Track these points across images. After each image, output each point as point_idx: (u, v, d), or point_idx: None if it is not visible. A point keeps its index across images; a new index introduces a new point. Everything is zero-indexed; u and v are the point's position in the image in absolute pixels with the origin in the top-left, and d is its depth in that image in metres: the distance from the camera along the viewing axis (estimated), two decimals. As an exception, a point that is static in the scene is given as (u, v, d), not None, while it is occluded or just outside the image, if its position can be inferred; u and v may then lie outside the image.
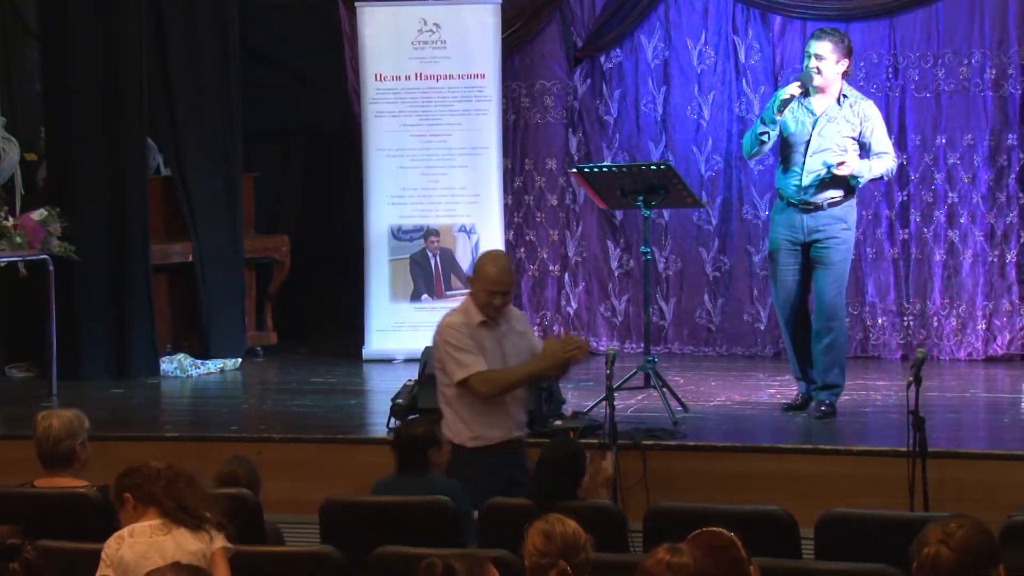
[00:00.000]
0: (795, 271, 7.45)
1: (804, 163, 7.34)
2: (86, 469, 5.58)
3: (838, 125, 7.33)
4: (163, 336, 9.54)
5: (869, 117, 7.38)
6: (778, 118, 7.34)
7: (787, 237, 7.41)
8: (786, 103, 7.31)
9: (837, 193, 7.36)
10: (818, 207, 7.33)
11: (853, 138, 7.33)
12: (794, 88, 7.31)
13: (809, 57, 7.35)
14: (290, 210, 11.11)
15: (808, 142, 7.35)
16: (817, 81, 7.33)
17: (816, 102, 7.36)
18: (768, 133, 7.37)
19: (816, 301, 7.49)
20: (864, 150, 7.36)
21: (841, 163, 7.22)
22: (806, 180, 7.33)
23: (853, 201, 7.44)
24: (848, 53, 7.38)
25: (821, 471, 6.54)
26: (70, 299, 8.94)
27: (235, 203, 9.82)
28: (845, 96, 7.39)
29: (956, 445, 6.74)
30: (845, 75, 7.42)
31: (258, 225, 10.41)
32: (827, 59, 7.30)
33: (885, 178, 7.69)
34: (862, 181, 7.41)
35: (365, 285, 9.74)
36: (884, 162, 7.38)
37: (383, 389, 8.18)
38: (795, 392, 7.69)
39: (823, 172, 7.29)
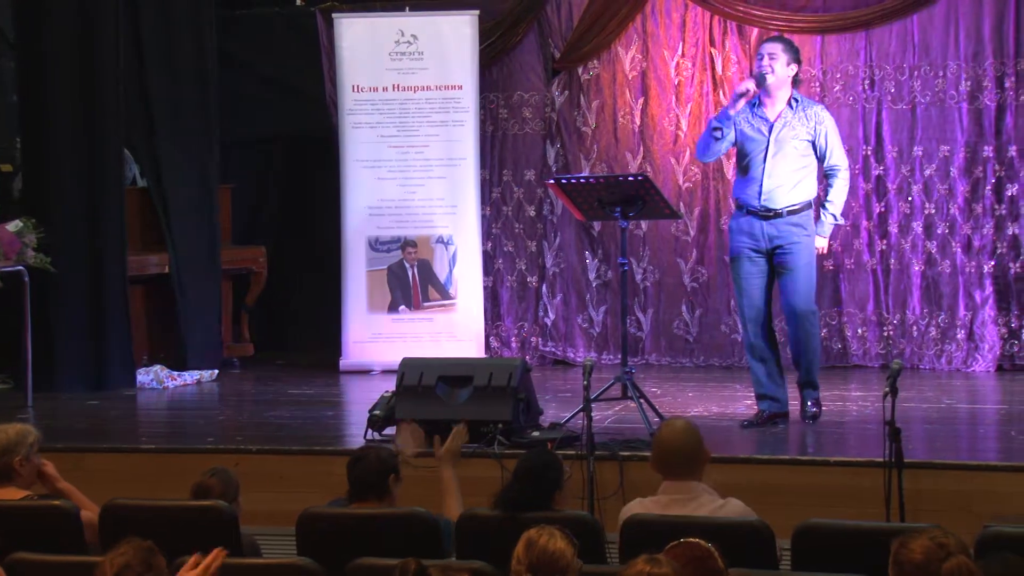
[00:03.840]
0: (759, 280, 7.47)
1: (764, 170, 7.39)
2: (37, 482, 5.57)
3: (793, 129, 7.41)
4: (139, 347, 9.51)
5: (822, 120, 7.47)
6: (732, 113, 7.38)
7: (749, 246, 7.44)
8: (741, 96, 7.36)
9: (797, 200, 7.41)
10: (778, 214, 7.38)
11: (808, 141, 7.42)
12: (749, 83, 7.36)
13: (760, 58, 7.43)
14: (267, 221, 11.09)
15: (766, 148, 7.40)
16: (769, 80, 7.37)
17: (769, 109, 7.43)
18: (721, 130, 7.40)
19: (787, 307, 7.51)
20: (816, 152, 7.44)
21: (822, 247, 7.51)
22: (767, 186, 7.36)
23: (811, 212, 7.49)
24: (798, 60, 7.49)
25: (798, 481, 6.54)
26: (46, 310, 8.90)
27: (212, 214, 9.80)
28: (796, 100, 7.48)
29: (933, 456, 6.74)
30: (795, 82, 7.48)
31: (235, 236, 10.39)
32: (779, 58, 7.38)
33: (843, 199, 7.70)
34: (838, 219, 7.58)
35: (342, 296, 9.73)
36: (838, 191, 7.50)
37: (360, 400, 8.16)
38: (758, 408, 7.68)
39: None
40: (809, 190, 7.48)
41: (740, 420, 7.64)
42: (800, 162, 7.40)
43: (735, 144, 7.51)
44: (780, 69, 7.39)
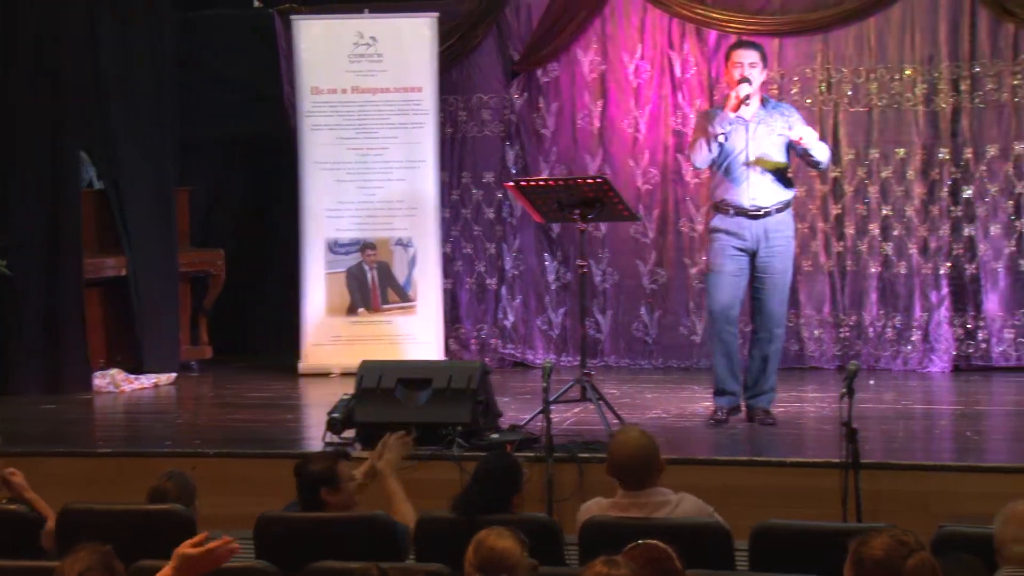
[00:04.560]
0: (738, 278, 7.54)
1: (747, 170, 7.49)
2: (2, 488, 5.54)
3: (769, 126, 7.53)
4: (96, 351, 9.45)
5: (793, 114, 7.65)
6: (733, 116, 7.44)
7: (734, 244, 7.50)
8: (744, 99, 7.42)
9: (783, 197, 7.52)
10: (767, 212, 7.48)
11: (782, 136, 7.53)
12: (747, 87, 7.43)
13: (740, 66, 7.50)
14: (226, 223, 11.04)
15: (747, 148, 7.49)
16: (754, 86, 7.47)
17: (744, 110, 7.50)
18: (726, 134, 7.46)
19: (760, 312, 7.58)
20: (790, 147, 7.54)
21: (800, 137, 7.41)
22: (753, 184, 7.44)
23: (792, 212, 7.64)
24: (767, 64, 7.69)
25: (756, 482, 6.57)
26: (1, 313, 8.83)
27: (169, 217, 9.75)
28: (767, 100, 7.65)
29: (890, 456, 6.79)
30: (763, 84, 7.65)
31: (193, 238, 10.34)
32: (758, 65, 7.52)
33: (825, 164, 7.76)
34: (822, 160, 7.57)
35: (301, 299, 9.70)
36: (823, 145, 7.62)
37: (319, 403, 8.13)
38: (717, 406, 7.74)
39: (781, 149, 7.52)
40: (789, 188, 7.61)
41: (700, 421, 7.69)
42: (779, 158, 7.53)
43: None
44: (759, 75, 7.54)
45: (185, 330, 10.00)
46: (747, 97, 7.45)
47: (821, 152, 7.54)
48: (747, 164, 7.46)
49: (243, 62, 10.62)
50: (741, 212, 7.49)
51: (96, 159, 9.71)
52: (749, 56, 7.54)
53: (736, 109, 7.44)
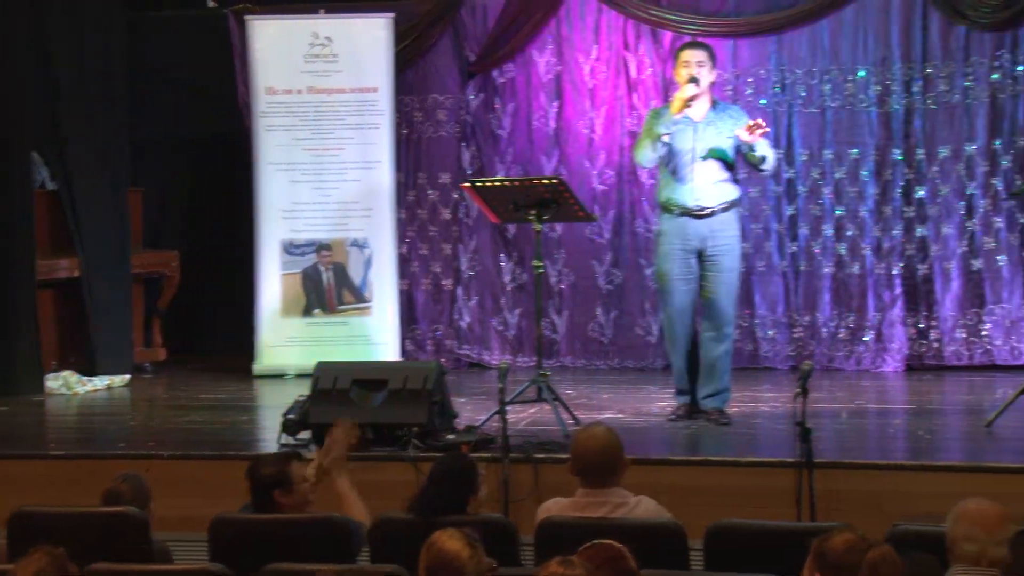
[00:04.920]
0: (688, 280, 7.59)
1: (693, 170, 7.53)
2: None
3: (717, 128, 7.57)
4: (48, 353, 9.37)
5: (742, 117, 7.66)
6: (678, 117, 7.48)
7: (681, 247, 7.55)
8: (688, 100, 7.47)
9: (728, 197, 7.57)
10: (712, 213, 7.52)
11: (730, 138, 7.56)
12: (692, 88, 7.46)
13: (688, 65, 7.55)
14: (180, 224, 10.98)
15: (694, 149, 7.53)
16: (701, 85, 7.51)
17: (693, 111, 7.56)
18: (671, 134, 7.49)
19: (709, 310, 7.62)
20: (738, 146, 7.58)
21: (753, 128, 7.40)
22: (699, 185, 7.48)
23: (737, 212, 7.69)
24: (716, 65, 7.73)
25: (710, 482, 6.60)
26: (-47, 315, 8.77)
27: (123, 218, 9.69)
28: (716, 102, 7.69)
29: (843, 456, 6.83)
30: (712, 84, 7.68)
31: (147, 240, 10.29)
32: (706, 65, 7.58)
33: (770, 168, 7.79)
34: (768, 161, 7.58)
35: (256, 300, 9.66)
36: (769, 147, 7.66)
37: (274, 405, 8.10)
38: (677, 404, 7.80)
39: (730, 148, 7.53)
40: (735, 188, 7.67)
41: (655, 421, 7.72)
42: (726, 160, 7.57)
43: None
44: (708, 75, 7.57)
45: (139, 332, 9.94)
46: (692, 98, 7.48)
47: (765, 149, 7.56)
48: (693, 165, 7.50)
49: (197, 62, 10.56)
50: (686, 212, 7.54)
51: (48, 160, 9.63)
52: (697, 56, 7.58)
53: (680, 111, 7.47)
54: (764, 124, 7.49)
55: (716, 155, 7.54)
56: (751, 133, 7.40)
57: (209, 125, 10.65)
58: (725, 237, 7.56)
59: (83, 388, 9.19)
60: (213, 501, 6.19)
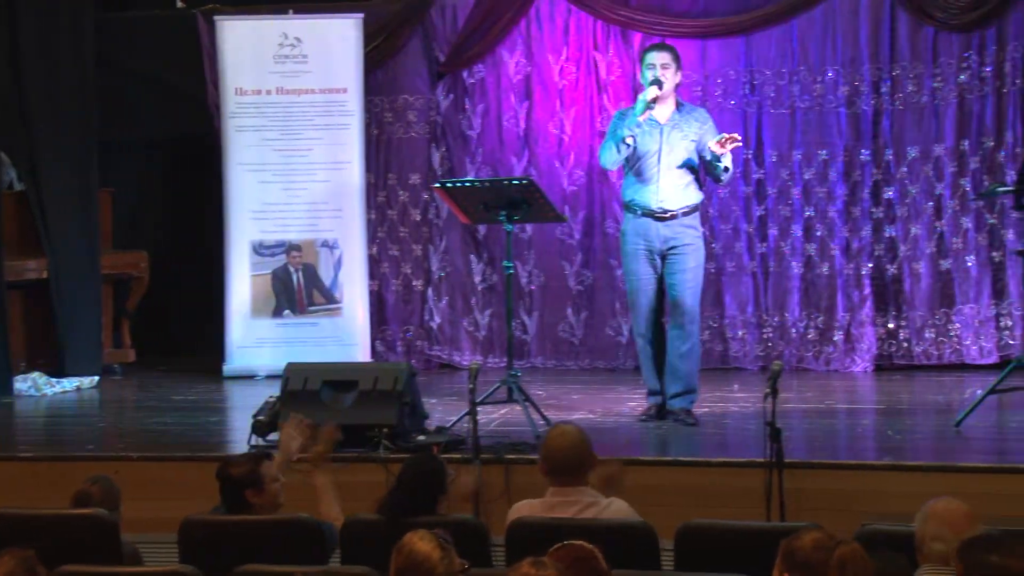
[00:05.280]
0: (654, 280, 7.64)
1: (659, 172, 7.56)
2: None
3: (682, 131, 7.62)
4: (17, 354, 9.33)
5: (707, 121, 7.71)
6: (641, 120, 7.51)
7: (644, 247, 7.60)
8: (650, 103, 7.50)
9: (689, 202, 7.61)
10: (674, 215, 7.56)
11: (694, 141, 7.61)
12: (655, 90, 7.49)
13: (653, 67, 7.59)
14: (149, 225, 10.94)
15: (659, 151, 7.56)
16: (665, 88, 7.54)
17: (658, 113, 7.60)
18: (634, 136, 7.50)
19: (674, 308, 7.65)
20: (700, 151, 7.61)
21: (729, 141, 7.42)
22: (663, 187, 7.50)
23: (699, 215, 7.77)
24: (681, 66, 7.75)
25: (680, 482, 6.61)
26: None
27: (92, 218, 9.64)
28: (682, 104, 7.73)
29: (813, 456, 6.85)
30: (677, 86, 7.72)
31: (116, 240, 10.24)
32: (671, 67, 7.62)
33: (725, 180, 7.85)
34: (728, 173, 7.64)
35: (226, 301, 9.64)
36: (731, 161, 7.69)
37: (244, 406, 8.08)
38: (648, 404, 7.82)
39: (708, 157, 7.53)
40: (698, 192, 7.71)
41: (626, 421, 7.74)
42: (690, 163, 7.61)
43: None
44: (672, 77, 7.61)
45: (108, 333, 9.90)
46: (655, 99, 7.51)
47: (729, 161, 7.59)
48: (659, 166, 7.53)
49: (166, 63, 10.51)
50: (648, 213, 7.59)
51: (17, 161, 9.59)
52: (662, 58, 7.62)
53: (644, 113, 7.50)
54: (739, 138, 7.54)
55: (683, 163, 7.59)
56: (723, 146, 7.42)
57: (179, 126, 10.61)
58: (688, 237, 7.61)
59: (52, 390, 9.15)
60: (183, 503, 6.18)
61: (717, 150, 7.43)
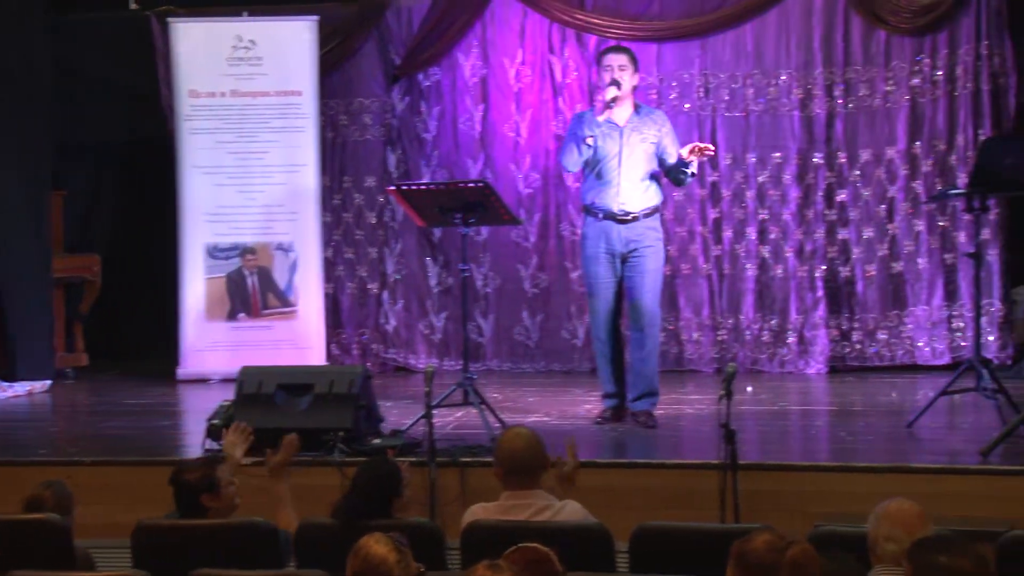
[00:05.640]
0: (614, 283, 7.65)
1: (619, 174, 7.58)
2: None
3: (641, 133, 7.64)
4: (-32, 358, 9.26)
5: (665, 123, 7.75)
6: (601, 120, 7.53)
7: (605, 250, 7.61)
8: (610, 104, 7.53)
9: (650, 204, 7.63)
10: (635, 217, 7.58)
11: (654, 143, 7.64)
12: (615, 91, 7.52)
13: (610, 69, 7.61)
14: (102, 228, 10.87)
15: (620, 154, 7.58)
16: (623, 89, 7.57)
17: (617, 115, 7.62)
18: (594, 137, 7.52)
19: (633, 310, 7.67)
20: (657, 154, 7.64)
21: (703, 150, 7.47)
22: (624, 189, 7.53)
23: (659, 217, 7.78)
24: (638, 68, 7.78)
25: (636, 484, 6.62)
26: None
27: (43, 221, 9.58)
28: (640, 106, 7.76)
29: (767, 457, 6.88)
30: (634, 89, 7.74)
31: (68, 244, 10.17)
32: (628, 68, 7.65)
33: (684, 185, 7.89)
34: (692, 177, 7.67)
35: (180, 304, 9.59)
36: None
37: (198, 409, 8.04)
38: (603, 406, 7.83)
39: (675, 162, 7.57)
40: (658, 193, 7.73)
41: (582, 424, 7.75)
42: (649, 165, 7.65)
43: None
44: (630, 78, 7.64)
45: (60, 337, 9.84)
46: (614, 99, 7.55)
47: (695, 168, 7.63)
48: (619, 168, 7.54)
49: (119, 65, 10.46)
50: (609, 216, 7.60)
51: (-33, 163, 9.51)
52: (619, 60, 7.65)
53: (600, 112, 7.54)
54: (712, 149, 7.59)
55: (643, 165, 7.62)
56: (692, 153, 7.45)
57: (132, 128, 10.57)
58: (649, 239, 7.63)
59: (3, 394, 9.08)
60: (136, 507, 6.13)
61: (687, 157, 7.45)
